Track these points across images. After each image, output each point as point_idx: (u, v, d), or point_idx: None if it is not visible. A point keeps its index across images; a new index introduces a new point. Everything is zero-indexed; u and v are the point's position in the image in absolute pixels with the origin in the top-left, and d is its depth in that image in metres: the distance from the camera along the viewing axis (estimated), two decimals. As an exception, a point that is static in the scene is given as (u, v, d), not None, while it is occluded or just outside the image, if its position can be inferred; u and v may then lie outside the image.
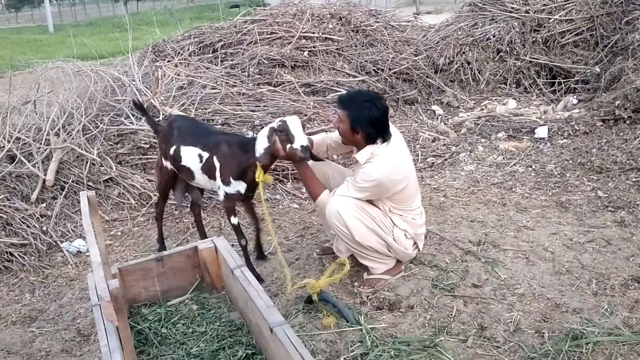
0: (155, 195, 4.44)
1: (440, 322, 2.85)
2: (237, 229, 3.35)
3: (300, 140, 2.92)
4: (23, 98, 5.69)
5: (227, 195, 3.25)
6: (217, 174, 3.23)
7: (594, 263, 3.29)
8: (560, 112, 5.83)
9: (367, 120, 2.95)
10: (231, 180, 3.20)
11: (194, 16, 15.49)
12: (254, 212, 3.55)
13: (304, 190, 4.66)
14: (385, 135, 3.03)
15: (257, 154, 3.02)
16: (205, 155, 3.28)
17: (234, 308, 3.01)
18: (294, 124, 2.95)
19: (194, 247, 3.15)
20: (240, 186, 3.22)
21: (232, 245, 3.20)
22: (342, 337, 2.79)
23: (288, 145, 2.94)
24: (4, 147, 4.61)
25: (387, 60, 6.60)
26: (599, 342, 2.59)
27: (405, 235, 3.20)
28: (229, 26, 6.93)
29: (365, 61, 6.55)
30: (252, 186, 3.23)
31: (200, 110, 5.19)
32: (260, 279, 3.26)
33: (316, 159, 3.30)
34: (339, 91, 6.05)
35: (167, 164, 3.51)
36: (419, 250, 3.37)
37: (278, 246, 3.20)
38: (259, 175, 3.07)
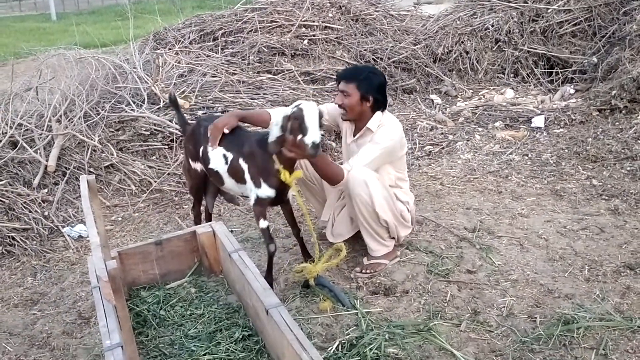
0: (155, 181, 4.49)
1: (434, 307, 2.90)
2: (265, 232, 3.02)
3: (312, 135, 2.64)
4: (25, 85, 5.70)
5: (258, 199, 2.97)
6: (247, 176, 2.99)
7: (587, 250, 3.33)
8: (557, 102, 5.84)
9: (376, 88, 3.16)
10: (261, 182, 2.94)
11: (196, 4, 15.39)
12: (294, 219, 3.26)
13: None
14: (386, 102, 3.27)
15: (269, 144, 2.80)
16: (230, 156, 3.05)
17: (231, 291, 3.05)
18: (310, 113, 2.66)
19: (193, 232, 3.18)
20: (270, 191, 2.96)
21: (232, 231, 3.23)
22: (337, 320, 2.84)
23: (299, 136, 2.68)
24: (6, 133, 4.64)
25: (386, 49, 6.60)
26: (590, 327, 2.63)
27: (407, 208, 3.35)
28: (229, 14, 6.93)
29: (365, 50, 6.56)
30: (281, 189, 2.98)
31: (200, 98, 5.21)
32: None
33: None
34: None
35: (197, 166, 3.29)
36: (412, 229, 3.48)
37: (312, 226, 3.08)
38: (284, 176, 2.83)
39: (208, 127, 3.11)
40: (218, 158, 3.09)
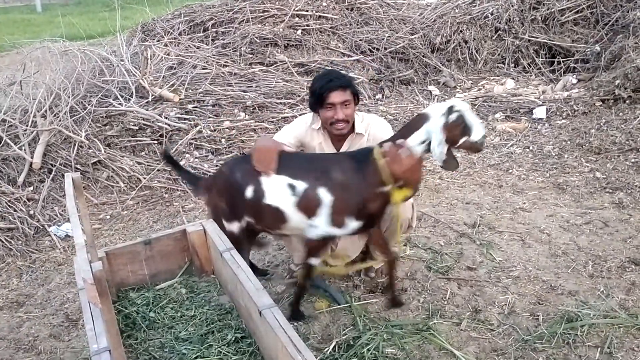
0: (144, 178, 4.37)
1: (434, 305, 2.83)
2: (311, 271, 2.69)
3: (478, 130, 2.33)
4: (9, 79, 5.61)
5: (326, 237, 2.57)
6: (324, 210, 2.50)
7: (590, 245, 3.26)
8: (559, 92, 5.76)
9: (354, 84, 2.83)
10: (346, 220, 2.49)
11: (186, -6, 15.32)
12: (386, 244, 2.79)
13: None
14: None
15: (438, 157, 2.37)
16: (303, 185, 2.51)
17: (223, 292, 2.98)
18: (467, 111, 2.34)
19: (183, 230, 3.09)
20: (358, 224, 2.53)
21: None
22: (334, 320, 2.78)
23: (464, 139, 2.32)
24: (-11, 129, 4.54)
25: (383, 39, 6.50)
26: (594, 325, 2.58)
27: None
28: (220, 4, 6.83)
29: (360, 40, 6.45)
30: (372, 219, 2.59)
31: (190, 91, 5.11)
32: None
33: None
34: (333, 71, 5.95)
35: (234, 227, 2.75)
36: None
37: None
38: (396, 197, 2.44)
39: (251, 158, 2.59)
40: (280, 189, 2.53)
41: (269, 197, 2.52)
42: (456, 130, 2.32)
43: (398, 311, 2.80)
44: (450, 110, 2.33)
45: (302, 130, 2.85)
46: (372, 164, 2.44)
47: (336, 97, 2.67)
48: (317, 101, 2.71)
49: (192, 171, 3.05)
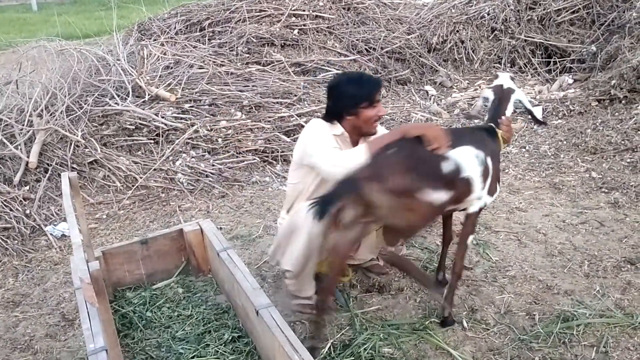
0: (140, 177, 4.35)
1: (430, 305, 2.83)
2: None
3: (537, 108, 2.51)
4: (5, 78, 5.55)
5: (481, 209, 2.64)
6: (489, 180, 2.50)
7: (586, 245, 3.26)
8: (556, 92, 5.76)
9: None
10: (497, 186, 2.63)
11: (183, -6, 15.25)
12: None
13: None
14: None
15: (539, 114, 2.83)
16: (481, 154, 2.44)
17: (220, 291, 2.98)
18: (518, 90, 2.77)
19: (179, 230, 3.09)
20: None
21: (220, 229, 3.11)
22: (331, 319, 2.75)
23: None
24: (-15, 128, 4.51)
25: (379, 39, 6.50)
26: (590, 324, 2.59)
27: None
28: (216, 4, 6.80)
29: (357, 40, 6.45)
30: None
31: (187, 91, 5.08)
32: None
33: None
34: (330, 71, 5.96)
35: (439, 196, 2.32)
36: None
37: None
38: None
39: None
40: (470, 160, 2.41)
41: (465, 169, 2.38)
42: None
43: (395, 311, 2.80)
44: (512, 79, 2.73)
45: (330, 137, 2.65)
46: (497, 135, 2.65)
47: (379, 94, 2.68)
48: (367, 101, 2.62)
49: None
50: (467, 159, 2.37)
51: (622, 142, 4.37)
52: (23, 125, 4.58)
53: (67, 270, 3.45)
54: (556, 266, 3.08)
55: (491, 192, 2.55)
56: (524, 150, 4.65)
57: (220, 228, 3.66)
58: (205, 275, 3.12)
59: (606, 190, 3.87)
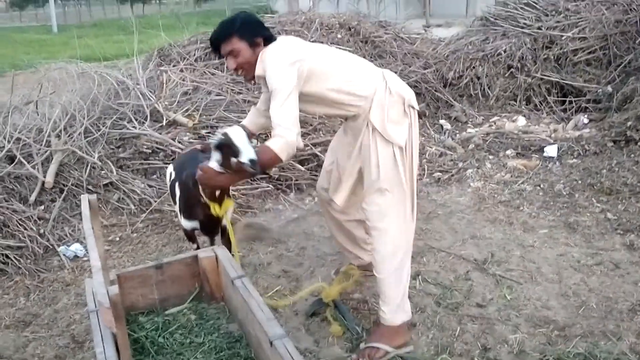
0: (155, 201, 4.37)
1: (443, 342, 2.80)
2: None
3: (247, 153, 2.44)
4: (25, 98, 5.63)
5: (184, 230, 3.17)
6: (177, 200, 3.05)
7: (601, 286, 3.23)
8: (571, 131, 5.77)
9: (256, 24, 2.65)
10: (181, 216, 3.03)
11: (201, 21, 15.46)
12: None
13: (307, 201, 4.61)
14: (272, 34, 2.70)
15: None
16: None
17: (233, 319, 2.95)
18: (236, 135, 2.50)
19: (194, 256, 3.08)
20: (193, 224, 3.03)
21: (233, 255, 3.13)
22: (345, 349, 2.78)
23: (234, 160, 2.46)
24: (3, 147, 4.56)
25: (396, 72, 6.49)
26: (606, 368, 2.53)
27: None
28: (236, 33, 6.88)
29: (374, 72, 6.51)
30: (209, 223, 2.97)
31: (204, 117, 5.13)
32: None
33: (266, 173, 3.00)
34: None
35: None
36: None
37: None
38: (214, 208, 2.80)
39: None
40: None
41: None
42: (226, 150, 2.49)
43: (408, 347, 2.77)
44: (220, 134, 2.55)
45: (257, 117, 3.01)
46: None
47: (222, 49, 2.64)
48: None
49: None
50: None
51: (638, 183, 4.35)
52: (41, 145, 4.64)
53: (78, 291, 3.45)
54: (571, 307, 3.04)
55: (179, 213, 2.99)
56: (538, 188, 4.65)
57: (233, 255, 3.66)
58: (218, 303, 3.09)
59: (621, 232, 3.84)
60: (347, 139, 2.84)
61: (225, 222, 2.94)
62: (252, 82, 2.71)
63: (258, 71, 2.59)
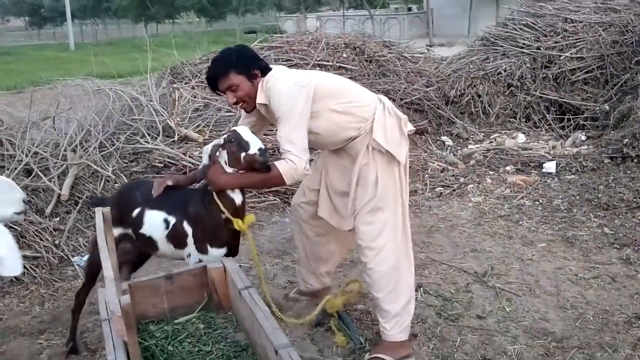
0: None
1: (443, 352, 2.87)
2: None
3: (255, 144, 2.45)
4: (42, 114, 5.76)
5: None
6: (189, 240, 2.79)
7: (598, 299, 3.30)
8: (569, 148, 5.88)
9: (252, 58, 2.66)
10: (208, 247, 2.79)
11: (212, 40, 15.70)
12: None
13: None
14: (267, 65, 2.71)
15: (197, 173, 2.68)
16: (173, 219, 2.74)
17: (240, 329, 3.02)
18: (243, 130, 2.50)
19: (203, 267, 3.17)
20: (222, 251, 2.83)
21: (240, 266, 3.24)
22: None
23: (243, 154, 2.45)
24: (22, 160, 4.69)
25: (399, 90, 6.69)
26: (601, 379, 2.59)
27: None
28: (246, 52, 7.02)
29: (378, 90, 6.61)
30: (235, 243, 2.84)
31: (214, 133, 5.27)
32: None
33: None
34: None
35: (116, 231, 2.81)
36: None
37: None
38: (237, 224, 2.65)
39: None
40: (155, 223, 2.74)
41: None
42: (233, 146, 2.47)
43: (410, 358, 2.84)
44: (228, 132, 2.56)
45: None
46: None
47: (221, 85, 2.62)
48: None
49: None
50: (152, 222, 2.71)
51: (634, 199, 4.45)
52: (57, 159, 4.77)
53: (91, 300, 3.51)
54: (568, 319, 3.11)
55: (201, 250, 2.79)
56: (537, 203, 4.74)
57: (240, 266, 3.75)
58: (225, 313, 3.15)
59: (618, 247, 3.92)
60: (343, 162, 2.84)
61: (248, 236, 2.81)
62: (251, 109, 2.70)
63: (260, 100, 2.61)
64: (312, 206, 3.04)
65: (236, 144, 2.46)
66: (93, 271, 3.01)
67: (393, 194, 2.73)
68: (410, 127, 2.82)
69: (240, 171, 2.52)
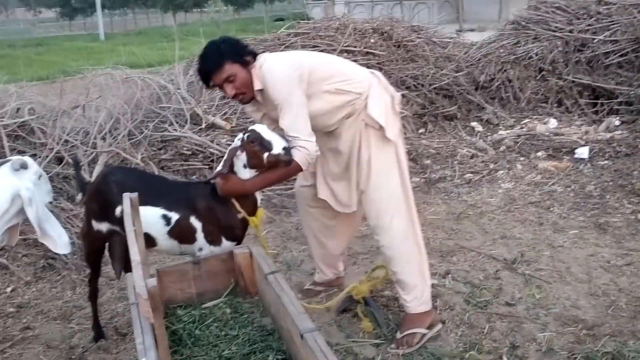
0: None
1: (471, 339, 2.85)
2: None
3: (279, 143, 2.46)
4: (73, 103, 5.87)
5: None
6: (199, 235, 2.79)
7: (631, 287, 3.23)
8: (602, 133, 5.74)
9: (241, 45, 2.65)
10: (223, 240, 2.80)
11: (239, 28, 15.73)
12: None
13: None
14: (255, 51, 2.71)
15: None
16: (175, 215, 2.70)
17: (266, 313, 3.03)
18: (263, 129, 2.49)
19: (230, 252, 3.20)
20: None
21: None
22: (375, 346, 2.85)
23: (266, 154, 2.46)
24: (53, 149, 4.79)
25: (428, 75, 6.60)
26: (634, 367, 2.54)
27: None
28: (272, 39, 7.01)
29: (406, 76, 6.57)
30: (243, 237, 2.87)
31: (241, 120, 5.30)
32: None
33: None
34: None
35: (102, 227, 2.80)
36: None
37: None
38: (253, 222, 2.72)
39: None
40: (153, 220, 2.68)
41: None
42: (255, 147, 2.47)
43: (436, 343, 2.84)
44: (247, 131, 2.51)
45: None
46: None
47: (217, 79, 2.57)
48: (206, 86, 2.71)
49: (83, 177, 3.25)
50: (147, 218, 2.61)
51: (670, 185, 4.34)
52: (87, 147, 4.86)
53: (121, 286, 3.59)
54: (600, 306, 3.06)
55: (213, 243, 2.78)
56: (569, 189, 4.65)
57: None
58: (252, 297, 3.17)
59: (652, 233, 3.83)
60: (336, 145, 2.79)
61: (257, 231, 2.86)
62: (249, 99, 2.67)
63: (257, 86, 2.57)
64: (313, 189, 3.05)
65: (258, 144, 2.45)
66: (92, 261, 3.03)
67: (388, 169, 2.72)
68: (399, 109, 2.78)
69: (255, 172, 2.53)
